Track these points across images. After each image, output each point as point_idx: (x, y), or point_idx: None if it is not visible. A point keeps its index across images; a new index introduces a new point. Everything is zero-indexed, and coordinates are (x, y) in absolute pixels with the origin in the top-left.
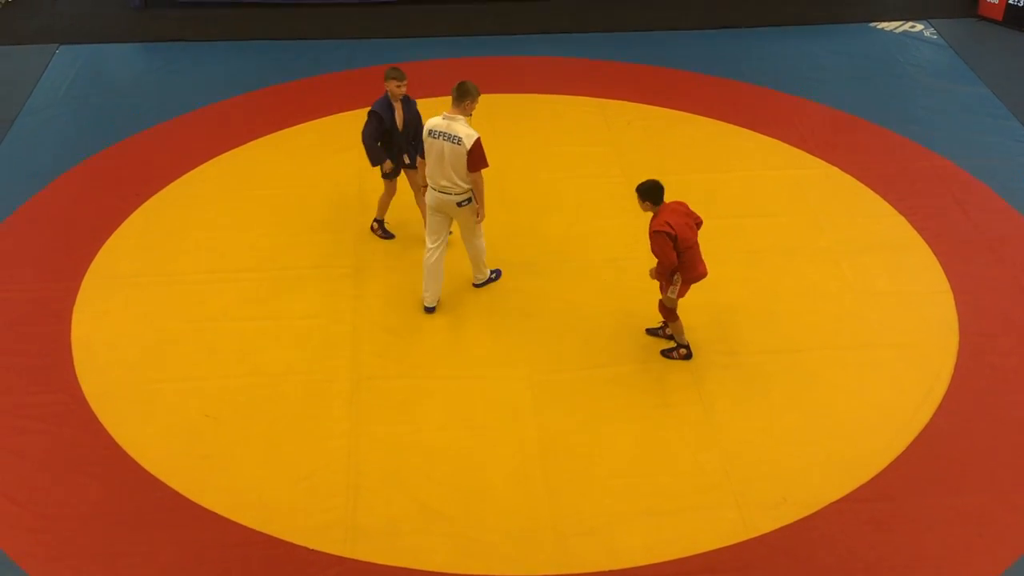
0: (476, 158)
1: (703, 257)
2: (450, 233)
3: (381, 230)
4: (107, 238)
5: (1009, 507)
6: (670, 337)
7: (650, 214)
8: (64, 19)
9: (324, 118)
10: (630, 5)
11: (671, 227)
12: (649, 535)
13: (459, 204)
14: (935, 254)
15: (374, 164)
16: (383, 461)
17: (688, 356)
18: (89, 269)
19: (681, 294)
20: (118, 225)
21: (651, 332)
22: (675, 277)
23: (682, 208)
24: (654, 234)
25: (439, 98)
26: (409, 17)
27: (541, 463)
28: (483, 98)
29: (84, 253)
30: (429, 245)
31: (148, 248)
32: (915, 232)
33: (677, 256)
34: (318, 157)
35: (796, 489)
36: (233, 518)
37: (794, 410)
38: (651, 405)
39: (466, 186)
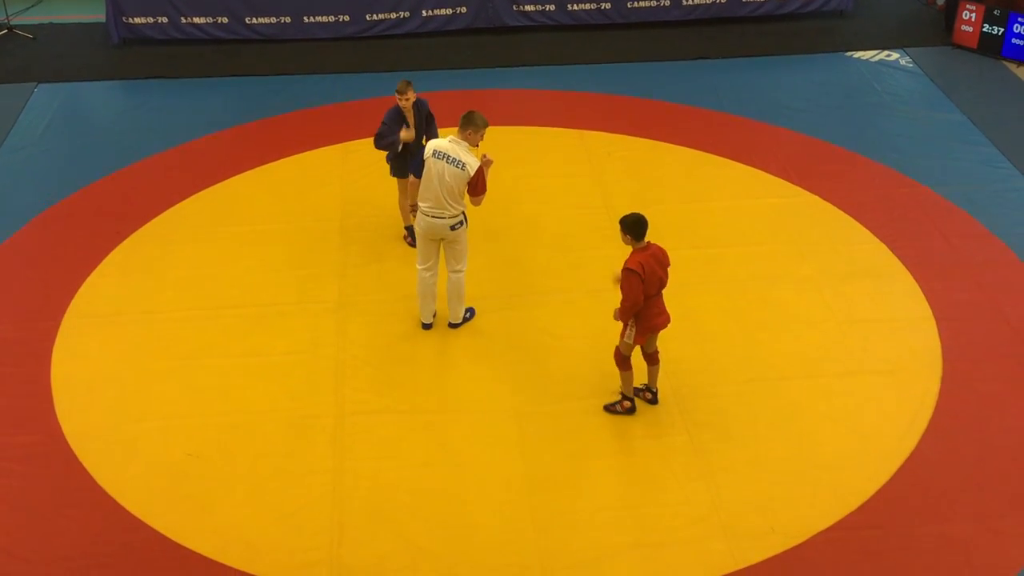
0: (480, 183)
1: (665, 307)
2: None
3: (412, 237)
4: (86, 276)
5: (996, 534)
6: (627, 411)
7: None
8: (42, 58)
9: (304, 153)
10: (608, 37)
11: (641, 268)
12: (637, 568)
13: (452, 228)
14: (916, 281)
15: (393, 149)
16: (368, 498)
17: (631, 411)
18: (68, 308)
19: (638, 340)
20: (97, 263)
21: (608, 408)
22: (631, 322)
23: (660, 255)
24: (625, 271)
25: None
26: (388, 51)
27: (528, 498)
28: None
29: (63, 292)
30: (420, 266)
31: (128, 286)
32: (896, 259)
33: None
34: (299, 192)
35: (784, 519)
36: (217, 559)
37: (780, 439)
38: (637, 437)
39: (459, 208)
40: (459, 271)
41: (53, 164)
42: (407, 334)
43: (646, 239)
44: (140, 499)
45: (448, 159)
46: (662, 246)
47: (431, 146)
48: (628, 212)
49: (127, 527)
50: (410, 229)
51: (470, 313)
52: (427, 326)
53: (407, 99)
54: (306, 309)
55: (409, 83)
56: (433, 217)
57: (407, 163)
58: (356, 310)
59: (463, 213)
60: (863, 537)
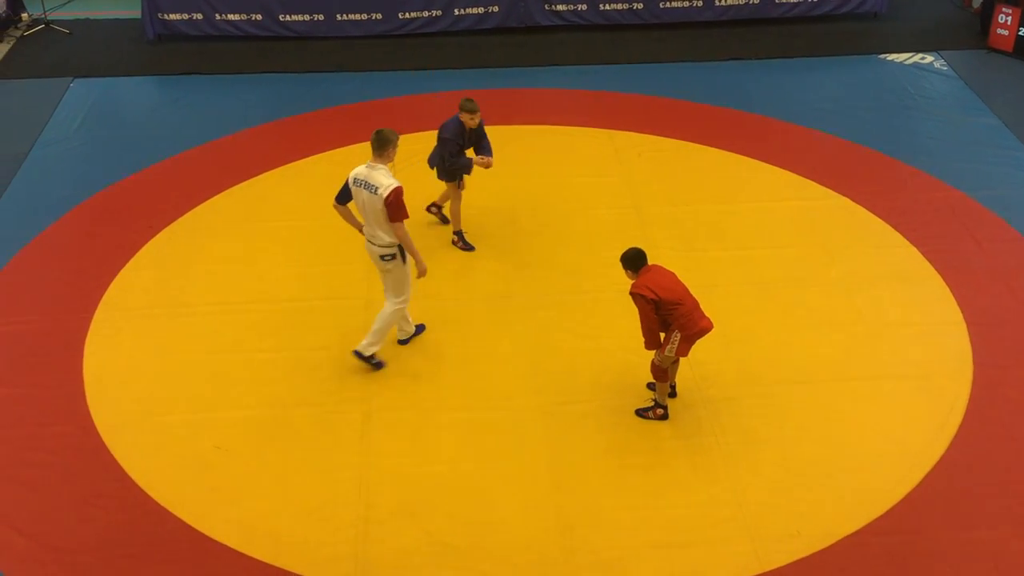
0: (394, 208)
1: (704, 311)
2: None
3: (462, 242)
4: (119, 270)
5: None
6: (660, 417)
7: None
8: (78, 53)
9: (335, 150)
10: (639, 37)
11: (649, 289)
12: (662, 568)
13: (382, 258)
14: (947, 285)
15: (463, 170)
16: (394, 493)
17: (664, 417)
18: (101, 301)
19: (681, 352)
20: (130, 257)
21: (640, 413)
22: (674, 335)
23: (664, 271)
24: (632, 296)
25: None
26: (420, 50)
27: (553, 496)
28: (494, 129)
29: (96, 285)
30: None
31: (160, 280)
32: (927, 263)
33: (661, 316)
34: (329, 189)
35: (810, 522)
36: (243, 551)
37: (807, 442)
38: (663, 437)
39: (388, 239)
40: (394, 302)
41: (88, 158)
42: (435, 330)
43: (648, 264)
44: (168, 490)
45: (365, 185)
46: (693, 247)
47: (351, 175)
48: (659, 212)
49: (155, 518)
50: (459, 234)
51: (377, 362)
52: (402, 342)
53: (476, 120)
54: (335, 305)
55: (475, 103)
56: (367, 241)
57: (464, 172)
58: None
59: (397, 249)
60: (889, 542)
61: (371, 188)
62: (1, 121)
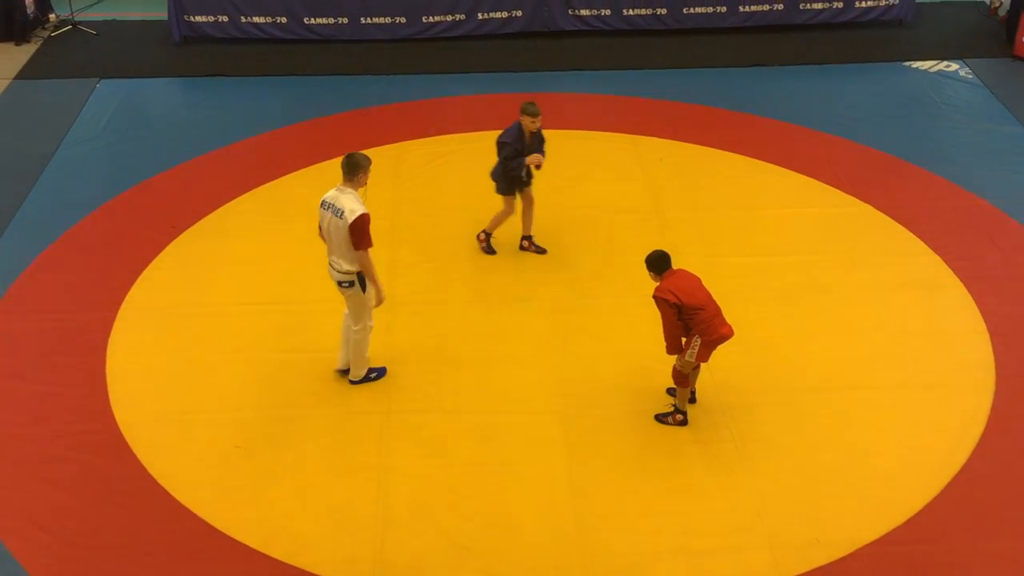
0: (358, 235)
1: (725, 318)
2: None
3: (486, 244)
4: (143, 269)
5: None
6: (680, 423)
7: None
8: (105, 54)
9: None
10: (663, 43)
11: (671, 294)
12: (680, 574)
13: (340, 284)
14: (970, 293)
15: (518, 172)
16: (412, 495)
17: (684, 423)
18: (125, 300)
19: (702, 357)
20: (154, 257)
21: (660, 419)
22: (694, 340)
23: (689, 274)
24: (655, 299)
25: (466, 134)
26: (444, 53)
27: (571, 500)
28: None
29: (120, 284)
30: (346, 311)
31: (183, 280)
32: (950, 271)
33: (682, 321)
34: None
35: (830, 530)
36: (262, 550)
37: (828, 450)
38: (683, 443)
39: (348, 267)
40: (354, 329)
41: (113, 158)
42: (455, 334)
43: (671, 267)
44: (189, 489)
45: (332, 208)
46: (714, 252)
47: (323, 198)
48: (680, 218)
49: (175, 516)
50: (487, 235)
51: (376, 373)
52: (342, 372)
53: (537, 123)
54: None
55: (536, 106)
56: (329, 266)
57: (517, 184)
58: (405, 309)
59: (357, 276)
60: (909, 552)
61: (337, 212)
62: (28, 121)
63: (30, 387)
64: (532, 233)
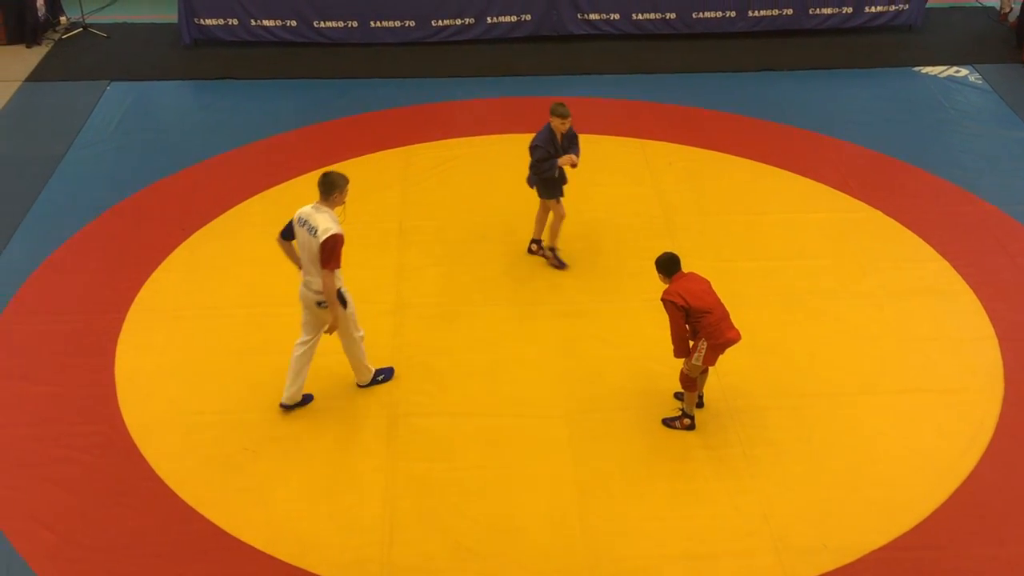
0: (327, 253)
1: (733, 322)
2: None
3: (555, 259)
4: (152, 271)
5: None
6: (687, 427)
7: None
8: (116, 56)
9: (367, 155)
10: (672, 47)
11: (680, 296)
12: None
13: (318, 304)
14: (979, 299)
15: (549, 174)
16: (419, 498)
17: (691, 427)
18: (134, 302)
19: (708, 361)
20: (163, 259)
21: (679, 396)
22: (701, 344)
23: (698, 278)
24: (662, 302)
25: (475, 137)
26: (453, 56)
27: (577, 504)
28: (527, 137)
29: (129, 286)
30: (300, 339)
31: (192, 282)
32: (959, 277)
33: (690, 325)
34: (360, 194)
35: (836, 536)
36: (269, 552)
37: (835, 455)
38: (690, 447)
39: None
40: (350, 339)
41: (123, 161)
42: (462, 337)
43: (681, 270)
44: (197, 491)
45: (307, 226)
46: (722, 257)
47: (296, 214)
48: (688, 222)
49: (183, 517)
50: (553, 250)
51: (383, 375)
52: (285, 407)
53: (567, 124)
54: (363, 310)
55: (566, 107)
56: (303, 285)
57: (557, 186)
58: (413, 312)
59: (337, 293)
60: (916, 558)
61: (312, 230)
62: (39, 123)
63: (38, 388)
64: (543, 239)
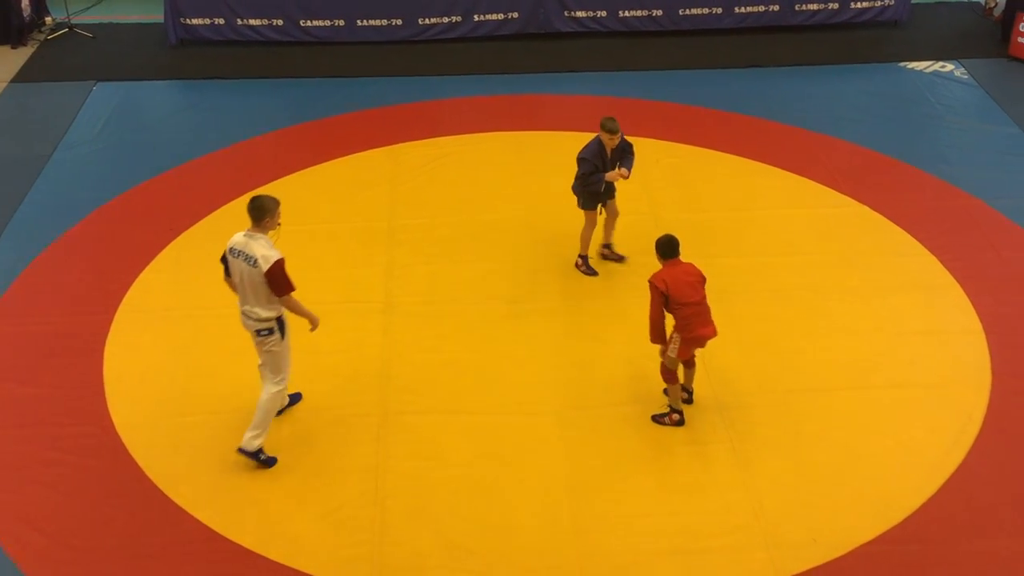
0: (277, 283)
1: (711, 319)
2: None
3: (585, 266)
4: (140, 272)
5: None
6: (676, 423)
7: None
8: (101, 56)
9: (355, 154)
10: (659, 44)
11: (663, 282)
12: (677, 574)
13: (259, 333)
14: (967, 294)
15: (597, 188)
16: (410, 496)
17: (680, 423)
18: (122, 303)
19: (683, 354)
20: (151, 259)
21: (657, 419)
22: (675, 336)
23: (690, 269)
24: (649, 283)
25: (463, 135)
26: (440, 55)
27: (568, 500)
28: (515, 135)
29: (117, 286)
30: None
31: (180, 282)
32: (946, 271)
33: (666, 313)
34: (349, 193)
35: (826, 530)
36: (260, 552)
37: (824, 450)
38: (679, 443)
39: (266, 314)
40: (273, 383)
41: (110, 161)
42: (452, 335)
43: (678, 257)
44: (187, 491)
45: (244, 256)
46: (710, 253)
47: (228, 244)
48: (676, 219)
49: (173, 518)
50: (584, 258)
51: (265, 457)
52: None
53: (615, 140)
54: (353, 309)
55: (617, 122)
56: (243, 314)
57: (600, 199)
58: (402, 311)
59: (277, 321)
60: (906, 551)
61: (250, 260)
62: (25, 123)
63: (27, 390)
64: (612, 241)
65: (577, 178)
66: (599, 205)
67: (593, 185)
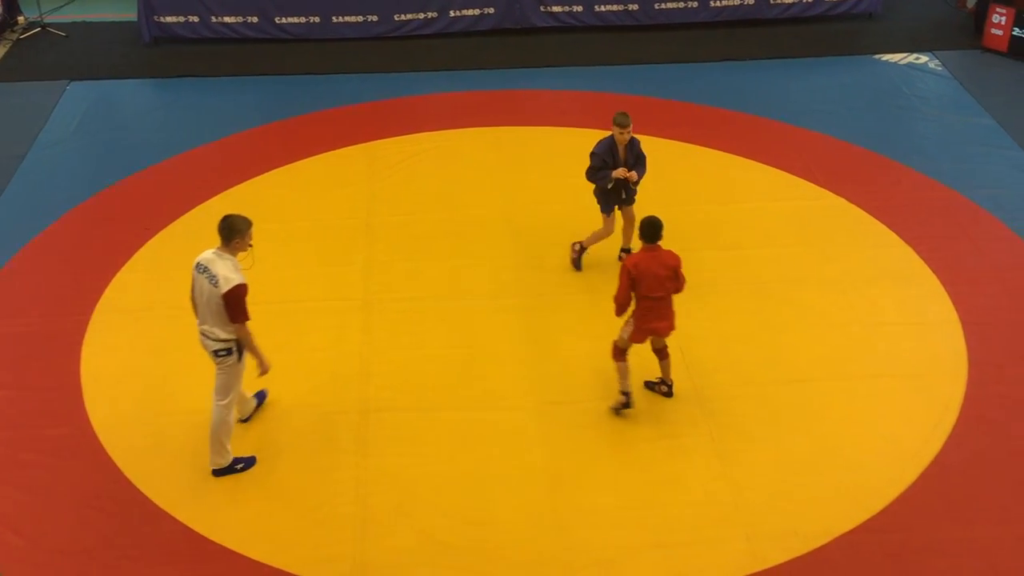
0: (233, 307)
1: (671, 314)
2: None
3: (577, 257)
4: (117, 272)
5: (1020, 539)
6: (622, 405)
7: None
8: (75, 55)
9: (332, 152)
10: (635, 38)
11: (635, 268)
12: (658, 567)
13: (216, 353)
14: (942, 284)
15: (603, 183)
16: (391, 493)
17: (627, 405)
18: (99, 302)
19: (635, 339)
20: (128, 259)
21: (649, 385)
22: (630, 320)
23: (666, 259)
24: (620, 264)
25: (440, 131)
26: (416, 52)
27: (549, 495)
28: (492, 131)
29: (94, 286)
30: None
31: (157, 281)
32: (922, 262)
33: (632, 298)
34: (326, 190)
35: (806, 520)
36: (241, 551)
37: (803, 441)
38: (659, 436)
39: (224, 335)
40: (218, 403)
41: (84, 160)
42: (431, 332)
43: (658, 243)
44: (166, 491)
45: (207, 274)
46: (688, 247)
47: (197, 258)
48: (654, 212)
49: (152, 519)
50: (582, 250)
51: (243, 464)
52: (243, 420)
53: (626, 134)
54: (332, 306)
55: (629, 116)
56: (200, 333)
57: (614, 199)
58: (381, 307)
59: (234, 344)
60: (885, 540)
61: (212, 279)
62: None
63: (3, 391)
64: (632, 246)
65: (586, 171)
66: (615, 207)
67: (600, 180)
